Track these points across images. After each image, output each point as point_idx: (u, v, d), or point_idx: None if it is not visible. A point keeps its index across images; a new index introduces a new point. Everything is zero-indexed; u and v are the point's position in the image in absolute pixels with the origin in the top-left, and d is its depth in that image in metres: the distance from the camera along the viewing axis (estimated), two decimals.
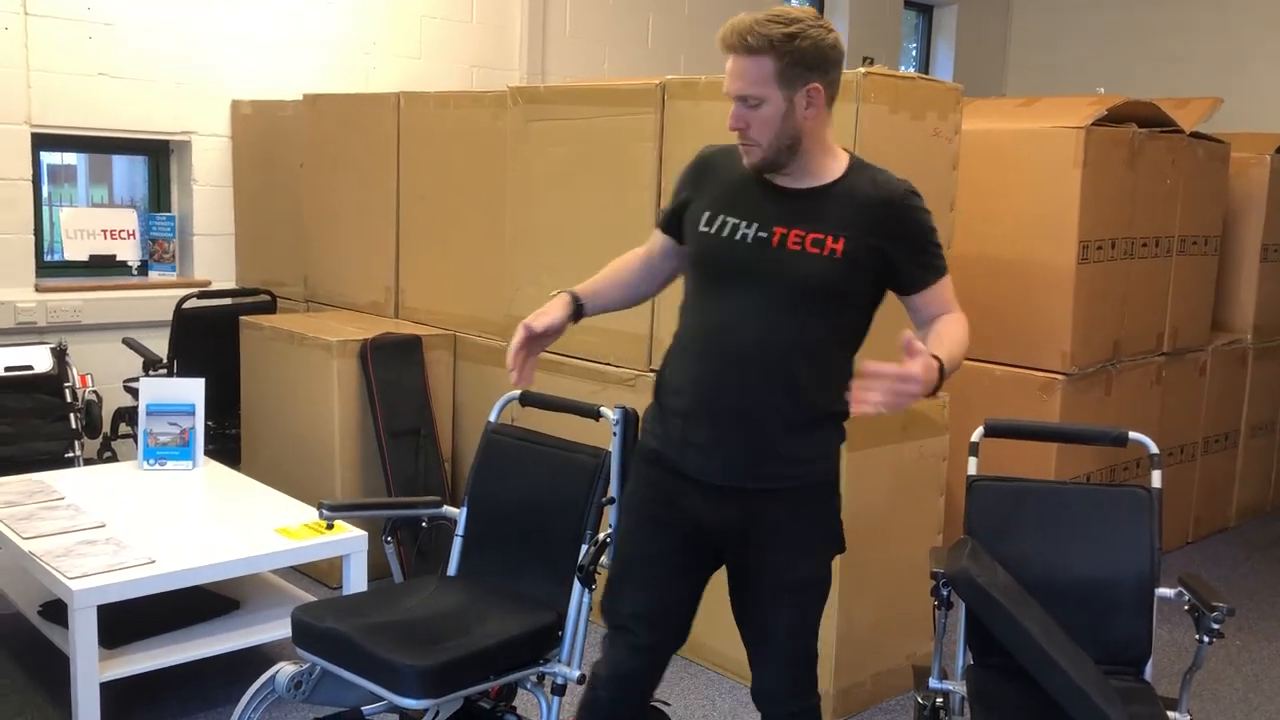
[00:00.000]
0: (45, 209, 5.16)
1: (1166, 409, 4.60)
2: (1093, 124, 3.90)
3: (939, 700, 2.60)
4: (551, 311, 2.24)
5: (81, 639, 2.79)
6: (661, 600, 2.23)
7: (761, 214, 2.11)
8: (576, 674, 2.47)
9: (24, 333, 4.87)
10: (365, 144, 4.67)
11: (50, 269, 5.13)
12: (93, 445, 4.72)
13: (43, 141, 4.98)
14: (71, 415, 4.60)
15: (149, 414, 3.87)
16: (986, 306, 4.09)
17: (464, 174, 4.24)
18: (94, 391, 4.69)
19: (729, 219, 2.12)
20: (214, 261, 5.45)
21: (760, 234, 2.09)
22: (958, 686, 2.58)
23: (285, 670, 2.48)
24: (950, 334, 2.11)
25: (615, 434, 2.35)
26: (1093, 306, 4.03)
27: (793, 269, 2.08)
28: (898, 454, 3.26)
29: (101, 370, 5.00)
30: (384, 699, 2.30)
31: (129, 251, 5.33)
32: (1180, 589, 2.51)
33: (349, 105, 4.75)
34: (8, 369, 4.60)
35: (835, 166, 2.14)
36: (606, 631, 2.28)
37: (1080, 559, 2.64)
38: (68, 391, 4.65)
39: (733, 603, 2.25)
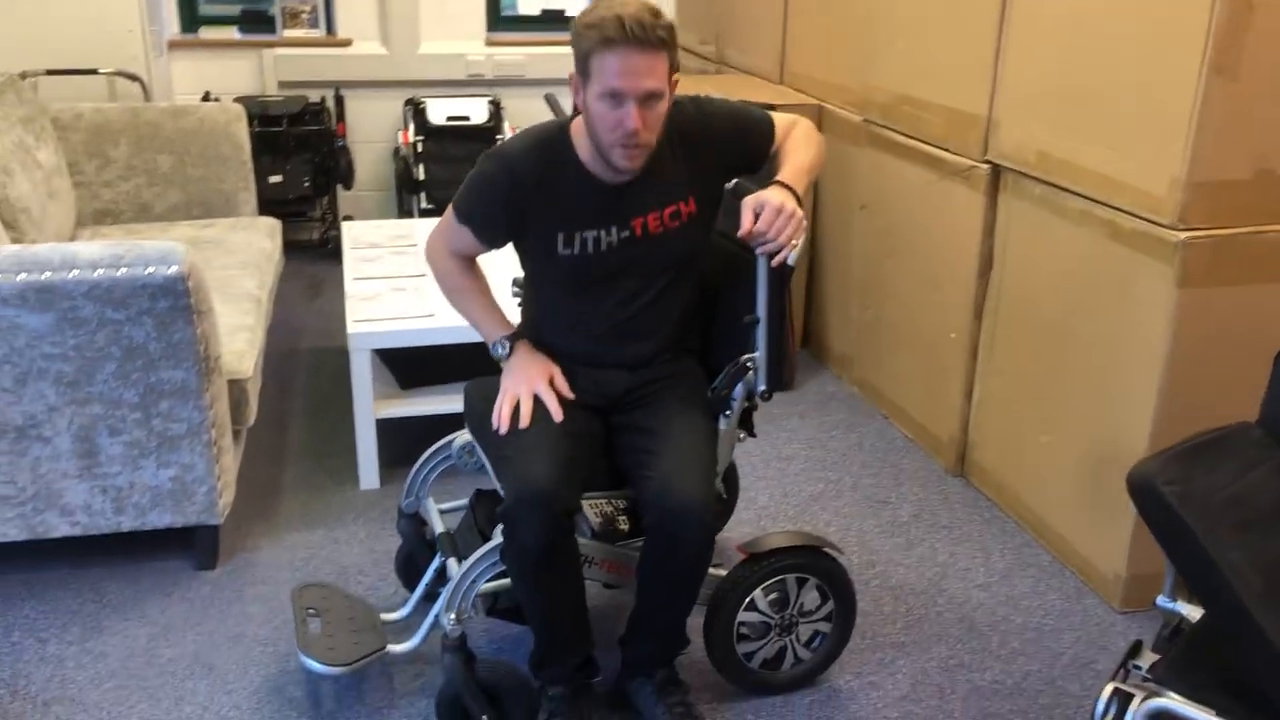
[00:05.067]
0: None
1: None
2: None
3: (1179, 622, 2.00)
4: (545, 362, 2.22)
5: (358, 378, 3.05)
6: None
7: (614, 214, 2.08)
8: None
9: (473, 84, 5.24)
10: None
11: (504, 23, 5.41)
12: None
13: None
14: None
15: None
16: None
17: None
18: None
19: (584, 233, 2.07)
20: None
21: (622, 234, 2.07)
22: (1192, 611, 1.96)
23: (460, 438, 2.51)
24: (790, 149, 2.10)
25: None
26: None
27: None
28: (1271, 296, 2.44)
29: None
30: None
31: (580, 6, 5.45)
32: None
33: None
34: (449, 118, 5.01)
35: None
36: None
37: None
38: (498, 142, 4.96)
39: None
